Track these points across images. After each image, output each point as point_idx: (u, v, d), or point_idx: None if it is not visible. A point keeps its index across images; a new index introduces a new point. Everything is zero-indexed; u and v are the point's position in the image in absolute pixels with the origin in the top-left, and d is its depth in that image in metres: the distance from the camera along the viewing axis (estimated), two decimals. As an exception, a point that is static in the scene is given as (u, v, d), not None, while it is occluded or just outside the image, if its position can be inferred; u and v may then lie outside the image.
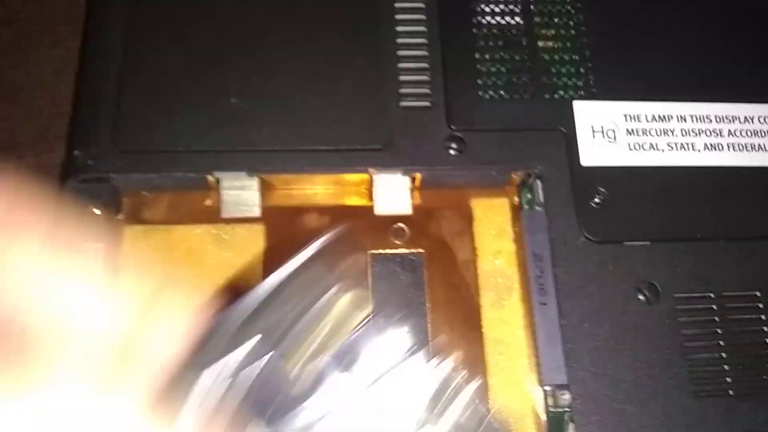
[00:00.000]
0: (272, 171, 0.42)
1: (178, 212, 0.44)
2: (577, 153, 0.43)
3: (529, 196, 0.44)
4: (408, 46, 0.45)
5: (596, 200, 0.42)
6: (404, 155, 0.43)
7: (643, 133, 0.44)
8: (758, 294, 0.41)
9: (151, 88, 0.43)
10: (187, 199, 0.44)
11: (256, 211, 0.43)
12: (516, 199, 0.44)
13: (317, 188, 0.45)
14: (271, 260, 0.42)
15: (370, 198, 0.44)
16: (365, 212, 0.44)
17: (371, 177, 0.43)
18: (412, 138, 0.43)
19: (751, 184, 0.44)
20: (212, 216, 0.44)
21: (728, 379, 0.40)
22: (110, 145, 0.42)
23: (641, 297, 0.41)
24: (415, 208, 0.44)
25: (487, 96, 0.44)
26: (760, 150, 0.45)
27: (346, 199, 0.45)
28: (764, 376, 0.40)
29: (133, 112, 0.43)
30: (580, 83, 0.45)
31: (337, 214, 0.44)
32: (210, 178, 0.43)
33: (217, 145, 0.42)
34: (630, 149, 0.44)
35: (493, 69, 0.45)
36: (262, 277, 0.41)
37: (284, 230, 0.44)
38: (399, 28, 0.45)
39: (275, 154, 0.42)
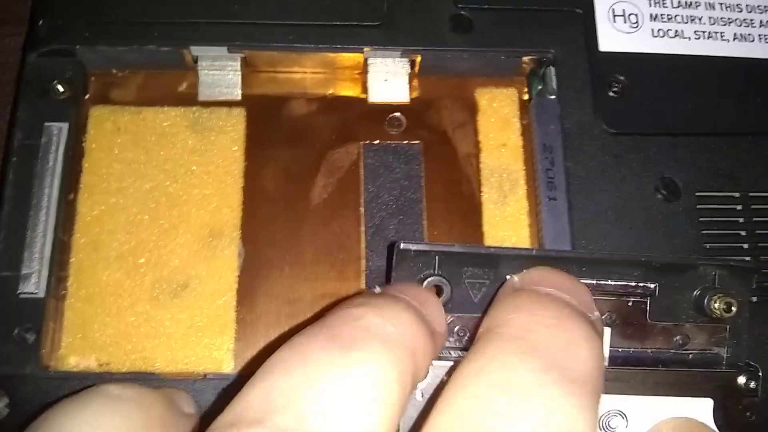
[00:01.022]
0: (255, 46, 0.38)
1: (151, 94, 0.40)
2: (596, 37, 0.39)
3: (540, 87, 0.40)
4: None
5: (615, 89, 0.38)
6: (404, 33, 0.39)
7: (668, 18, 0.40)
8: (788, 192, 0.37)
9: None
10: (161, 80, 0.40)
11: (236, 94, 0.39)
12: (526, 91, 0.40)
13: (305, 72, 0.40)
14: (253, 148, 0.38)
15: (364, 88, 0.40)
16: (358, 101, 0.40)
17: (366, 59, 0.39)
18: (414, 15, 0.39)
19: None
20: (188, 99, 0.39)
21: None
22: (77, 14, 0.38)
23: (660, 194, 0.37)
24: (414, 97, 0.40)
25: (498, -26, 0.40)
26: (796, 42, 0.40)
27: (338, 86, 0.40)
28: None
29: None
30: (600, -38, 0.41)
31: (327, 102, 0.40)
32: (187, 55, 0.38)
33: (194, 16, 0.38)
34: (653, 35, 0.40)
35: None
36: (243, 165, 0.37)
37: (268, 116, 0.39)
38: None
39: (259, 28, 0.38)
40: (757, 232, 0.37)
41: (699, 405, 0.30)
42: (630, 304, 0.30)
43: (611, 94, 0.38)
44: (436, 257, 0.28)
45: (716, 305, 0.29)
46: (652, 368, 0.30)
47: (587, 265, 0.29)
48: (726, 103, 0.39)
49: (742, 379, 0.30)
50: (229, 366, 0.36)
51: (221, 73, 0.39)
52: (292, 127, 0.39)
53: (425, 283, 0.28)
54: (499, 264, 0.28)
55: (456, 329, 0.28)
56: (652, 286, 0.30)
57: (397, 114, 0.39)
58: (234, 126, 0.38)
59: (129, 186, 0.37)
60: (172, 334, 0.36)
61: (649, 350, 0.30)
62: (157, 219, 0.37)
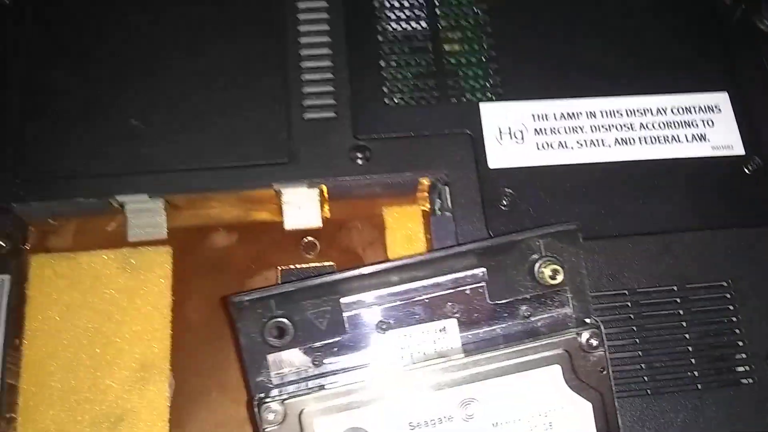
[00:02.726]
0: (174, 191, 0.42)
1: (85, 238, 0.43)
2: (485, 155, 0.42)
3: (439, 204, 0.43)
4: (312, 58, 0.45)
5: (504, 202, 0.41)
6: (309, 167, 0.42)
7: (551, 131, 0.43)
8: (675, 288, 0.40)
9: (51, 116, 0.43)
10: (93, 225, 0.44)
11: (162, 233, 0.43)
12: (428, 205, 0.44)
13: (225, 207, 0.44)
14: (179, 282, 0.42)
15: (281, 214, 0.43)
16: (275, 228, 0.44)
17: (278, 192, 0.43)
18: (317, 149, 0.43)
19: (663, 176, 0.43)
20: (119, 240, 0.43)
21: (645, 378, 0.39)
22: (10, 174, 0.42)
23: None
24: (326, 220, 0.44)
25: (393, 103, 0.44)
26: (674, 141, 0.44)
27: (256, 215, 0.44)
28: (682, 374, 0.39)
29: (33, 140, 0.43)
30: (486, 85, 0.44)
31: (246, 231, 0.44)
32: (113, 202, 0.42)
33: (117, 168, 0.42)
34: (538, 149, 0.43)
35: (399, 75, 0.45)
36: (170, 299, 0.41)
37: (192, 250, 0.43)
38: (302, 40, 0.45)
39: (177, 174, 0.42)
40: (646, 327, 0.40)
41: (548, 374, 0.32)
42: (468, 291, 0.33)
43: (501, 207, 0.41)
44: (272, 300, 0.31)
45: (544, 273, 0.32)
46: (495, 350, 0.32)
47: (416, 268, 0.32)
48: (610, 207, 0.42)
49: (584, 338, 0.32)
50: (166, 494, 0.39)
51: (147, 215, 0.42)
52: (214, 258, 0.43)
53: (265, 327, 0.31)
54: (335, 289, 0.31)
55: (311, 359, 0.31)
56: (481, 271, 0.32)
57: (311, 238, 0.43)
58: (161, 264, 0.42)
59: (68, 328, 0.41)
60: (112, 466, 0.39)
61: (498, 329, 0.33)
62: (93, 357, 0.40)
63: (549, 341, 0.32)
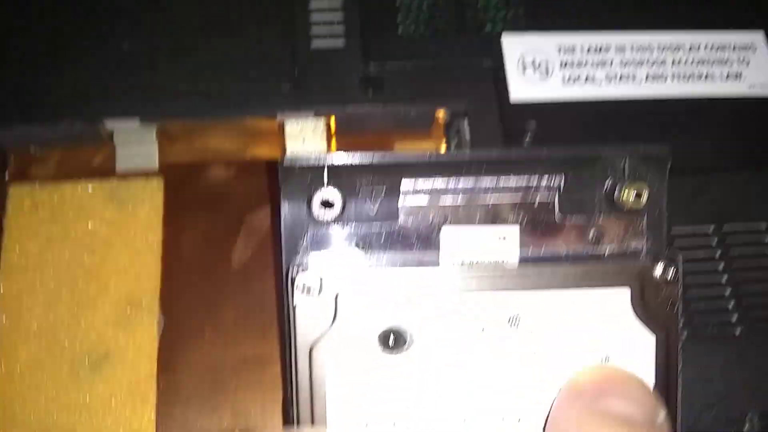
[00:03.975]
0: (169, 116, 0.38)
1: (69, 168, 0.40)
2: (507, 88, 0.39)
3: (455, 140, 0.40)
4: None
5: (526, 138, 0.38)
6: (316, 95, 0.39)
7: (578, 65, 0.40)
8: (712, 229, 0.37)
9: (36, 33, 0.39)
10: (79, 156, 0.40)
11: (153, 164, 0.39)
12: (444, 142, 0.40)
13: (222, 139, 0.41)
14: (171, 216, 0.38)
15: (283, 150, 0.40)
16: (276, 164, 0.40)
17: (281, 123, 0.39)
18: (326, 78, 0.39)
19: (697, 115, 0.40)
20: (106, 171, 0.40)
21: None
22: (-8, 95, 0.38)
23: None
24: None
25: (409, 32, 0.40)
26: (708, 79, 0.41)
27: (255, 150, 0.41)
28: (720, 318, 0.36)
29: (18, 60, 0.39)
30: (509, 15, 0.41)
31: (245, 166, 0.40)
32: (101, 129, 0.39)
33: (107, 91, 0.38)
34: (564, 83, 0.40)
35: (414, 3, 0.41)
36: (161, 234, 0.38)
37: (186, 184, 0.40)
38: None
39: (172, 99, 0.38)
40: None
41: (614, 296, 0.29)
42: (536, 203, 0.29)
43: (524, 144, 0.38)
44: (326, 170, 0.28)
45: (626, 195, 0.29)
46: (558, 263, 0.29)
47: (487, 165, 0.28)
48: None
49: (660, 267, 0.29)
50: (151, 437, 0.35)
51: (137, 145, 0.39)
52: (210, 193, 0.39)
53: (314, 197, 0.28)
54: (397, 172, 0.28)
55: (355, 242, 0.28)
56: (558, 180, 0.29)
57: (316, 174, 0.39)
58: (151, 196, 0.39)
59: (47, 262, 0.37)
60: (92, 409, 0.35)
61: (562, 249, 0.29)
62: (75, 293, 0.37)
63: (620, 264, 0.29)
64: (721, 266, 0.37)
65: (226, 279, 0.38)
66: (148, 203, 0.38)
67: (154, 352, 0.36)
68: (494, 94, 0.39)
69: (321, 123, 0.40)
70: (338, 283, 0.28)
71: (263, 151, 0.40)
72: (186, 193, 0.39)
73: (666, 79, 0.41)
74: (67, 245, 0.38)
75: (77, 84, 0.38)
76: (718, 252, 0.38)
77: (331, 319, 0.28)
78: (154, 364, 0.36)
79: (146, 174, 0.39)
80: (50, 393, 0.36)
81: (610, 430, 0.24)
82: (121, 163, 0.39)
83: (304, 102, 0.39)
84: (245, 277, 0.38)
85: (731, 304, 0.36)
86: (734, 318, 0.36)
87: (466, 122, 0.39)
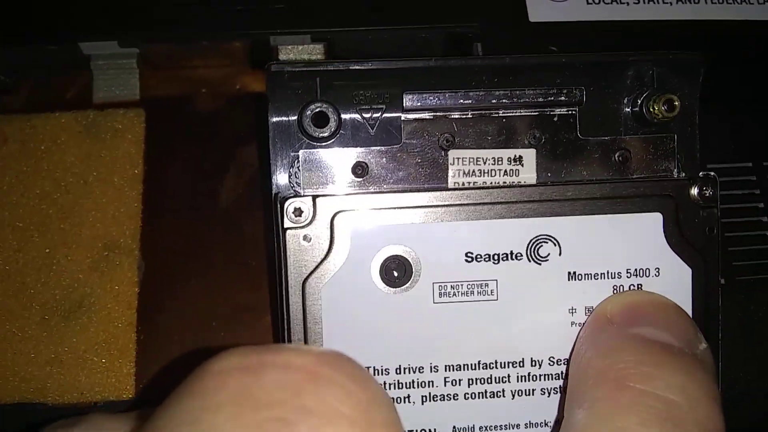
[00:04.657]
0: (150, 39, 0.35)
1: (41, 100, 0.36)
2: (525, 7, 0.35)
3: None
4: None
5: (547, 62, 0.34)
6: (313, 16, 0.35)
7: (604, -17, 0.36)
8: (750, 165, 0.34)
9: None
10: (53, 86, 0.36)
11: (134, 94, 0.36)
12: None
13: (209, 67, 0.37)
14: (153, 151, 0.35)
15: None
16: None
17: (274, 48, 0.35)
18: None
19: (731, 41, 0.36)
20: (83, 103, 0.36)
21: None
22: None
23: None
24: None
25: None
26: (744, 2, 0.37)
27: (246, 80, 0.37)
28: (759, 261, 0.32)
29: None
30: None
31: (234, 97, 0.37)
32: (78, 53, 0.35)
33: (82, 11, 0.35)
34: (588, 2, 0.36)
35: None
36: (142, 170, 0.34)
37: (170, 116, 0.36)
38: None
39: (154, 19, 0.35)
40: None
41: (645, 222, 0.25)
42: (556, 117, 0.26)
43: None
44: (317, 79, 0.25)
45: (655, 106, 0.25)
46: (582, 184, 0.25)
47: (499, 72, 0.25)
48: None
49: (696, 187, 0.26)
50: (129, 392, 0.32)
51: (116, 72, 0.35)
52: (196, 125, 0.36)
53: (306, 111, 0.24)
54: (398, 82, 0.25)
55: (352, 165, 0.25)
56: (578, 91, 0.26)
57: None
58: (132, 128, 0.35)
59: (18, 200, 0.34)
60: (65, 361, 0.32)
61: (584, 171, 0.26)
62: (47, 234, 0.33)
63: (652, 183, 0.25)
64: (761, 205, 0.34)
65: (214, 219, 0.34)
66: (128, 136, 0.35)
67: (134, 300, 0.33)
68: (510, 12, 0.36)
69: (319, 49, 0.36)
70: (334, 206, 0.25)
71: (254, 83, 0.37)
72: (170, 126, 0.35)
73: (699, 0, 0.37)
74: (38, 181, 0.34)
75: (49, 2, 0.34)
76: (758, 190, 0.34)
77: (326, 249, 0.25)
78: (133, 312, 0.33)
79: (126, 104, 0.35)
80: (17, 345, 0.32)
81: (643, 358, 0.21)
82: (99, 93, 0.36)
83: (299, 23, 0.35)
84: (234, 217, 0.34)
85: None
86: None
87: (479, 46, 0.35)
